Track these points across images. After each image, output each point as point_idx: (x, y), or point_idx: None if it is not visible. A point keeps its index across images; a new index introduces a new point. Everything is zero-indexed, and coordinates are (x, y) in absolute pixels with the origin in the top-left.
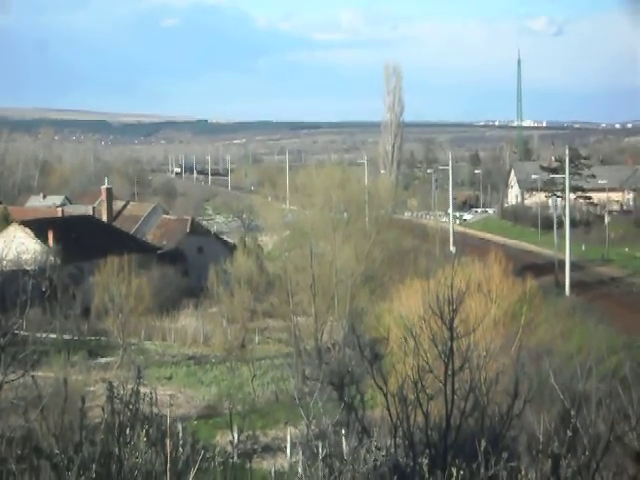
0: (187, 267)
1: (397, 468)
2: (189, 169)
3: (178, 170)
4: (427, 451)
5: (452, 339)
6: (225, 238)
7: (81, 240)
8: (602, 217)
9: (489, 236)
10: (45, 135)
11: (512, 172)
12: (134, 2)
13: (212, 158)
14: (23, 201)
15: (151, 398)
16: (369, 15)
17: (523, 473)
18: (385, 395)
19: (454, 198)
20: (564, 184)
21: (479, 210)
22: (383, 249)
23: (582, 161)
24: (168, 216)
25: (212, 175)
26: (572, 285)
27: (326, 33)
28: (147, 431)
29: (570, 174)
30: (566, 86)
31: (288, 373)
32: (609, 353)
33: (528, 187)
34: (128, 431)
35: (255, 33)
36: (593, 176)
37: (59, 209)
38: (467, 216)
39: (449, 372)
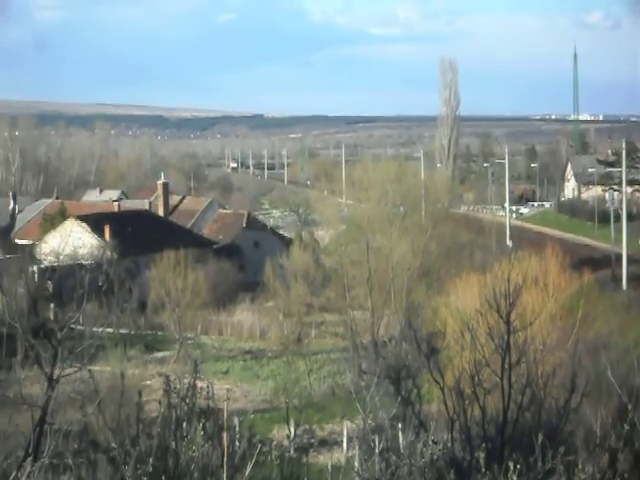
0: (243, 261)
1: (454, 462)
2: (245, 164)
3: (235, 165)
4: (484, 445)
5: (509, 333)
6: (281, 232)
7: (137, 234)
8: None
9: (546, 230)
10: (102, 130)
11: (569, 166)
12: None
13: (268, 152)
14: (80, 196)
15: (208, 392)
16: (425, 9)
17: (580, 467)
18: (442, 389)
19: (511, 192)
20: (621, 177)
21: (536, 204)
22: (439, 243)
23: (639, 154)
24: (224, 211)
25: (268, 169)
26: (629, 279)
27: (383, 27)
28: (204, 425)
29: (627, 167)
30: (623, 79)
31: (345, 367)
32: None
33: (585, 181)
34: (185, 425)
35: (311, 27)
36: None
37: (115, 204)
38: (524, 210)
39: (506, 366)
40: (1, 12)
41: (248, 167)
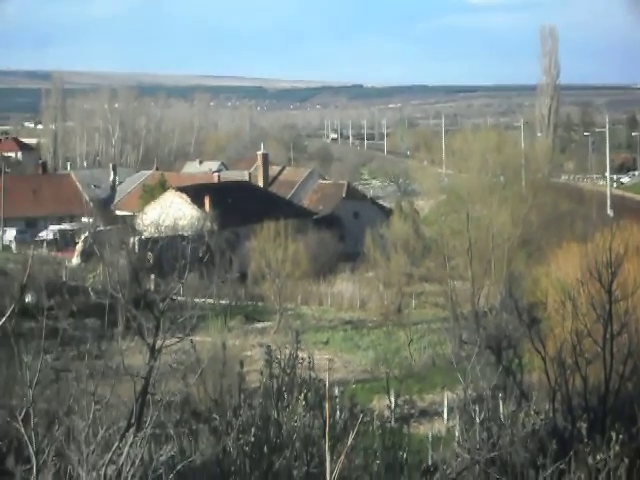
0: (343, 232)
1: (556, 432)
2: (344, 134)
3: (335, 136)
4: (585, 415)
5: (611, 302)
6: (381, 203)
7: (237, 205)
8: None
9: None
10: (201, 101)
11: None
12: None
13: (367, 122)
14: (179, 167)
15: (309, 362)
16: None
17: None
18: (543, 359)
19: (611, 161)
20: None
21: (637, 173)
22: (540, 213)
23: None
24: (324, 181)
25: (367, 139)
26: None
27: None
28: (305, 395)
29: None
30: None
31: (445, 337)
32: None
33: None
34: (286, 395)
35: None
36: None
37: (215, 175)
38: (625, 179)
39: (607, 336)
40: None
41: (347, 137)
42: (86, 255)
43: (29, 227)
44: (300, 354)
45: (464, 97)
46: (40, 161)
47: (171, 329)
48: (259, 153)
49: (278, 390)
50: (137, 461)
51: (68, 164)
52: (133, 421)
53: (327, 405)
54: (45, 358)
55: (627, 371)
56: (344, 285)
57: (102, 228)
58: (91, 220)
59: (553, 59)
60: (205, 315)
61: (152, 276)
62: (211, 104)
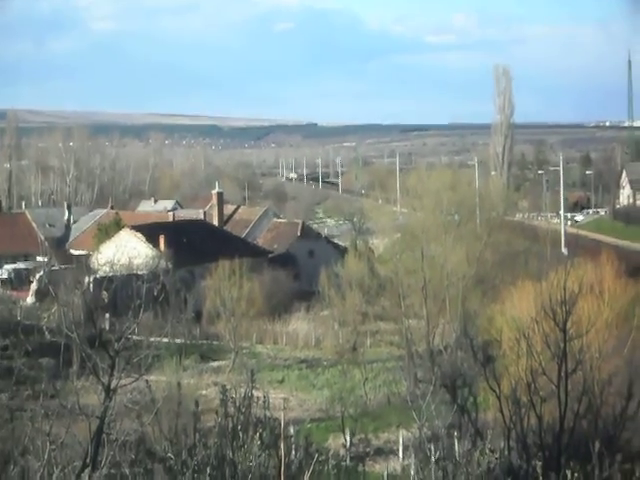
0: (298, 270)
1: (511, 471)
2: (299, 173)
3: (294, 175)
4: (540, 453)
5: (565, 341)
6: (336, 241)
7: (192, 244)
8: None
9: (601, 237)
10: (156, 140)
11: (624, 173)
12: (246, 7)
13: (322, 161)
14: (134, 206)
15: (264, 401)
16: (482, 17)
17: (638, 475)
18: (498, 397)
19: (565, 199)
20: None
21: (591, 211)
22: (494, 251)
23: None
24: (279, 220)
25: (322, 178)
26: None
27: (438, 35)
28: (260, 435)
29: None
30: None
31: (400, 376)
32: None
33: None
34: (241, 435)
35: (367, 36)
36: None
37: (170, 213)
38: (579, 217)
39: (562, 374)
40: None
41: (302, 176)
42: (41, 294)
43: None
44: (255, 393)
45: (418, 136)
46: None
47: (126, 369)
48: (214, 192)
49: (233, 429)
50: None
51: (23, 203)
52: (88, 461)
53: (282, 444)
54: None
55: (582, 409)
56: (299, 324)
57: (57, 267)
58: (46, 259)
59: (507, 98)
60: (160, 354)
61: (107, 315)
62: (166, 142)
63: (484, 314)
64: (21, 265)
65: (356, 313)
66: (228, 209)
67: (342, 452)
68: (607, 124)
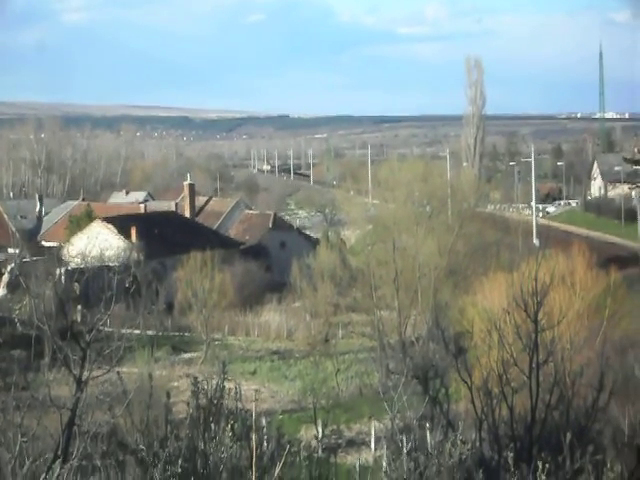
0: (270, 262)
1: (482, 462)
2: (271, 164)
3: (268, 167)
4: (512, 445)
5: (537, 332)
6: (308, 233)
7: (164, 236)
8: None
9: (572, 228)
10: (127, 132)
11: (595, 164)
12: None
13: (294, 153)
14: (106, 198)
15: (236, 393)
16: (453, 8)
17: (609, 466)
18: (470, 388)
19: (537, 190)
20: None
21: (562, 202)
22: (466, 242)
23: None
24: (251, 211)
25: (294, 170)
26: None
27: (410, 26)
28: (232, 426)
29: None
30: None
31: (372, 367)
32: None
33: (611, 179)
34: (213, 426)
35: (339, 28)
36: None
37: (142, 205)
38: (550, 208)
39: (534, 365)
40: (27, 15)
41: (274, 167)
42: (12, 286)
43: None
44: (227, 385)
45: (390, 127)
46: None
47: (98, 360)
48: (185, 183)
49: (205, 421)
50: None
51: None
52: (60, 453)
53: (254, 436)
54: None
55: (553, 400)
56: (271, 315)
57: (28, 259)
58: (17, 251)
59: (479, 90)
60: (132, 346)
61: (78, 307)
62: (137, 134)
63: (456, 305)
64: None
65: (328, 304)
66: (200, 201)
67: (314, 443)
68: (578, 115)
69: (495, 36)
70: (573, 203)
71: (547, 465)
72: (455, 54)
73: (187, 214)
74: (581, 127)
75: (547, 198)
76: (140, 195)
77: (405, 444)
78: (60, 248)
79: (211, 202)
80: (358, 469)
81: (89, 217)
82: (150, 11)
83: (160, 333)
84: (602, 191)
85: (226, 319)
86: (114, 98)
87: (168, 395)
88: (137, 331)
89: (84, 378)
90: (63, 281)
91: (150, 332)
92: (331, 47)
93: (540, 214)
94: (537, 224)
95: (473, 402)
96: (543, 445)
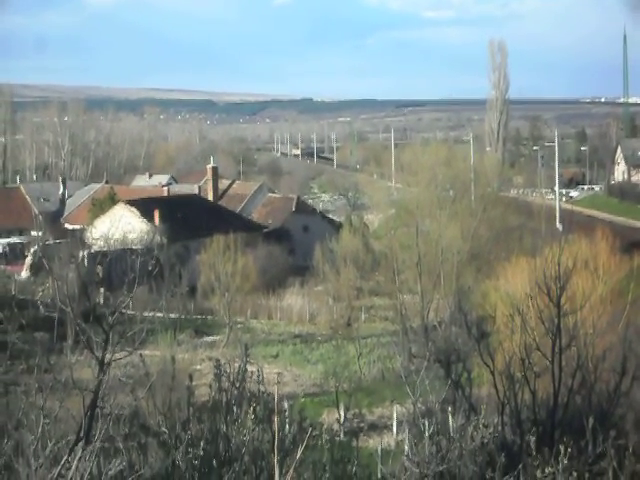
0: (293, 245)
1: (504, 446)
2: (302, 148)
3: (297, 152)
4: (534, 429)
5: (559, 316)
6: (331, 216)
7: (187, 219)
8: None
9: (595, 213)
10: (151, 115)
11: (619, 149)
12: None
13: (317, 136)
14: (129, 181)
15: (258, 376)
16: None
17: (631, 451)
18: (492, 373)
19: (560, 175)
20: None
21: (585, 187)
22: (489, 227)
23: None
24: (274, 195)
25: (317, 153)
26: None
27: (435, 10)
28: (254, 409)
29: None
30: None
31: (394, 351)
32: None
33: (635, 163)
34: (235, 409)
35: (364, 11)
36: None
37: (165, 188)
38: (573, 193)
39: (556, 349)
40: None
41: (304, 151)
42: (35, 268)
43: None
44: (249, 368)
45: (413, 111)
46: None
47: (120, 343)
48: (209, 166)
49: (227, 404)
50: (86, 475)
51: (17, 177)
52: (82, 435)
53: (276, 419)
54: None
55: (575, 384)
56: (293, 299)
57: (51, 241)
58: (40, 233)
59: (502, 74)
60: (154, 329)
61: (101, 290)
62: (161, 117)
63: (478, 290)
64: (16, 239)
65: (350, 288)
66: (223, 184)
67: (336, 427)
68: (602, 100)
69: (520, 20)
70: (596, 188)
71: (569, 449)
72: (480, 38)
73: (210, 197)
74: (605, 112)
75: (570, 183)
76: (163, 178)
77: (427, 428)
78: (83, 231)
79: (234, 185)
80: (380, 453)
81: (112, 200)
82: None
83: (183, 316)
84: (625, 176)
85: (249, 302)
86: (138, 81)
87: (190, 378)
88: (160, 314)
89: (107, 360)
90: (86, 264)
91: (173, 315)
92: (356, 31)
93: (563, 199)
94: (560, 209)
95: (495, 386)
96: (565, 429)
